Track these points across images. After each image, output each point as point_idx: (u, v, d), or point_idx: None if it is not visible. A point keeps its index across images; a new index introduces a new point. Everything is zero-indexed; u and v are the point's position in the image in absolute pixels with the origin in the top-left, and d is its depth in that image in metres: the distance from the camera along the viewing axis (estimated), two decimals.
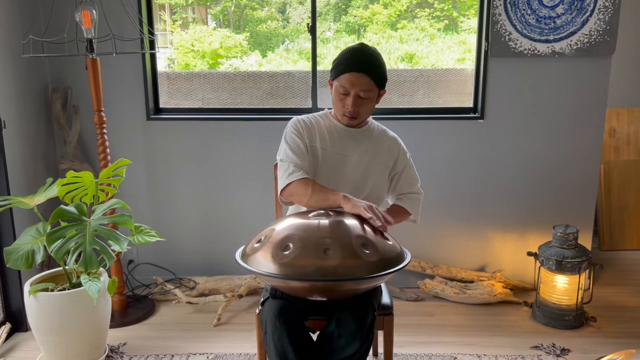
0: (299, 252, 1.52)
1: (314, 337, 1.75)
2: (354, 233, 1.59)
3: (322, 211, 1.71)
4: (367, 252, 1.54)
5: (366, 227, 1.65)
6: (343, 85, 1.85)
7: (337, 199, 1.76)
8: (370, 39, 3.55)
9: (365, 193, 1.94)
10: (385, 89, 1.94)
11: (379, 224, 1.65)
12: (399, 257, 1.62)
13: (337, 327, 1.66)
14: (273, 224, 1.70)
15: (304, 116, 2.02)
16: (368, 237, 1.59)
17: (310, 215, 1.68)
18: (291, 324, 1.67)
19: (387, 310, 1.87)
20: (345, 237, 1.57)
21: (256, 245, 1.61)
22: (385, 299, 1.92)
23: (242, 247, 1.71)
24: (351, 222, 1.64)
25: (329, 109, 2.05)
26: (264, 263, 1.54)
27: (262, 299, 1.83)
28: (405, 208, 2.02)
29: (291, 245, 1.54)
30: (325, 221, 1.63)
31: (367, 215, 1.67)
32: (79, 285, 2.25)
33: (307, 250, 1.52)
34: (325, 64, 3.06)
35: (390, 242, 1.65)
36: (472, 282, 3.00)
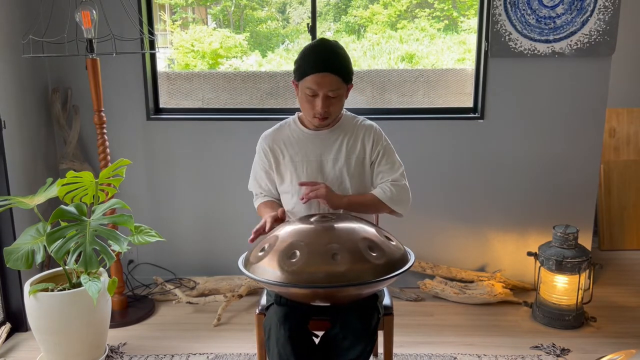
0: (307, 259, 1.50)
1: (317, 338, 1.75)
2: (359, 236, 1.58)
3: (323, 215, 1.70)
4: (374, 254, 1.54)
5: (367, 228, 1.64)
6: (309, 87, 1.77)
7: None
8: (370, 39, 3.55)
9: (350, 191, 1.90)
10: (352, 82, 1.87)
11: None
12: (404, 258, 1.62)
13: (341, 330, 1.65)
14: (275, 230, 1.69)
15: (271, 129, 1.97)
16: (373, 240, 1.58)
17: (312, 220, 1.67)
18: (295, 330, 1.66)
19: (387, 311, 1.87)
20: (351, 241, 1.55)
21: (260, 253, 1.59)
22: (386, 299, 1.92)
23: (244, 255, 1.70)
24: (354, 225, 1.63)
25: (299, 110, 1.96)
26: (270, 271, 1.52)
27: (265, 303, 1.83)
28: (378, 197, 1.86)
29: (298, 252, 1.52)
30: (328, 226, 1.61)
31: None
32: (79, 285, 2.25)
33: (315, 257, 1.50)
34: None
35: (394, 243, 1.65)
36: (472, 282, 3.00)
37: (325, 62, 1.76)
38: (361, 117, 1.98)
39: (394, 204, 1.87)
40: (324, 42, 1.81)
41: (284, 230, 1.64)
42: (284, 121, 1.99)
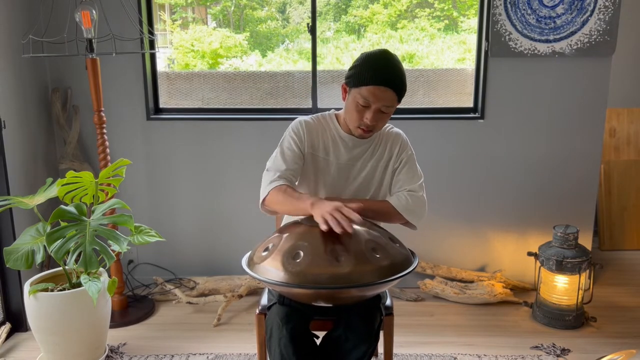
0: (311, 259, 1.49)
1: (318, 338, 1.75)
2: (363, 238, 1.57)
3: None
4: (378, 256, 1.53)
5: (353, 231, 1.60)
6: (365, 98, 1.71)
7: (306, 207, 1.63)
8: (370, 39, 3.55)
9: (368, 196, 1.89)
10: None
11: (339, 230, 1.51)
12: (407, 259, 1.61)
13: (345, 331, 1.65)
14: (278, 230, 1.69)
15: (310, 118, 1.90)
16: (377, 242, 1.57)
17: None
18: (297, 331, 1.66)
19: (388, 311, 1.87)
20: (355, 243, 1.54)
21: (263, 253, 1.59)
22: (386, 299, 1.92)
23: (247, 255, 1.69)
24: (358, 227, 1.62)
25: (336, 109, 1.94)
26: (273, 272, 1.51)
27: (266, 303, 1.82)
28: (392, 204, 1.81)
29: (302, 253, 1.52)
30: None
31: (324, 227, 1.53)
32: (79, 285, 2.25)
33: (319, 258, 1.49)
34: (325, 64, 3.05)
35: (398, 244, 1.64)
36: (472, 282, 3.00)
37: (388, 76, 1.71)
38: (389, 125, 1.94)
39: (407, 214, 1.81)
40: (388, 54, 1.74)
41: (289, 230, 1.64)
42: (320, 114, 1.93)
